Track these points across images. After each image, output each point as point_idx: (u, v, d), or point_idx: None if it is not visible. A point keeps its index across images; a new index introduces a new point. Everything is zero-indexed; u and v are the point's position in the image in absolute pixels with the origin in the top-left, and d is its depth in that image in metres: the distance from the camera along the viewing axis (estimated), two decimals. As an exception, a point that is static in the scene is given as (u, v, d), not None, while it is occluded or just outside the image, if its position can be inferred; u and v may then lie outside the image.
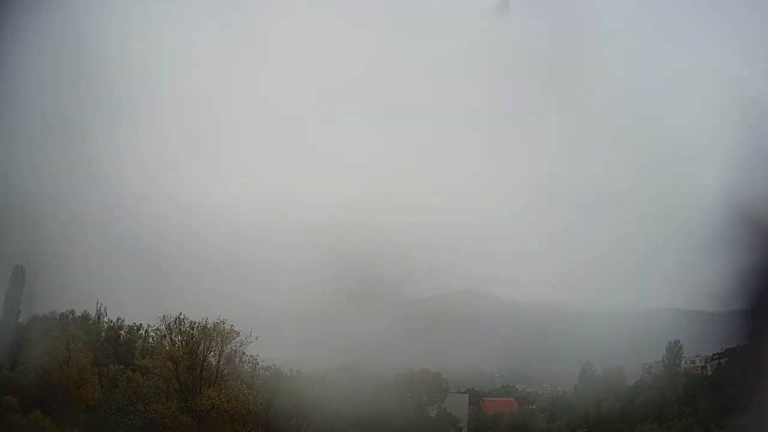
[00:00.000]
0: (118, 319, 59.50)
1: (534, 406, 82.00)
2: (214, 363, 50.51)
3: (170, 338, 50.46)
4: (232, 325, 50.61)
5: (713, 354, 68.04)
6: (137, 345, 59.29)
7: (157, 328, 52.61)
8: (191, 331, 49.86)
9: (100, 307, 59.80)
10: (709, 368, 67.24)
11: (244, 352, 51.94)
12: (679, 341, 63.26)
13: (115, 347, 56.17)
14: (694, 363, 69.33)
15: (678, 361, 62.88)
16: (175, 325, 50.09)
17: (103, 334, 58.37)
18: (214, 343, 50.09)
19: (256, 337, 51.48)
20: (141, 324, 59.03)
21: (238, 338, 50.75)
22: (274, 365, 60.63)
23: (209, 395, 47.55)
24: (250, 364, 53.93)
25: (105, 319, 59.77)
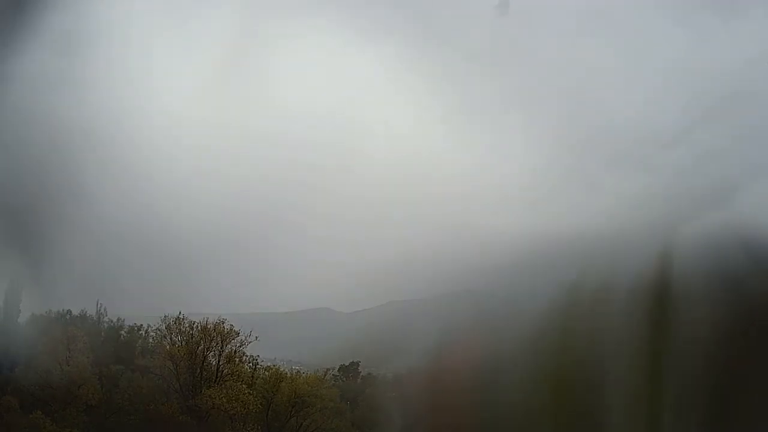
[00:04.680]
0: (118, 319, 59.57)
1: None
2: (214, 363, 50.46)
3: (170, 338, 50.41)
4: (231, 325, 50.62)
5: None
6: (137, 345, 59.30)
7: (157, 328, 52.56)
8: (191, 331, 49.82)
9: (100, 307, 59.88)
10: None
11: (245, 352, 52.00)
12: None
13: (115, 347, 56.13)
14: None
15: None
16: (175, 325, 50.05)
17: (103, 334, 58.37)
18: (214, 343, 50.04)
19: (256, 337, 51.58)
20: (141, 324, 59.07)
21: (238, 338, 50.75)
22: (274, 365, 60.69)
23: (209, 395, 47.51)
24: (250, 364, 53.95)
25: (105, 319, 59.85)
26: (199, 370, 49.61)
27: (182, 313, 50.80)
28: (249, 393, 49.29)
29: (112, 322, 59.62)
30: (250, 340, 51.03)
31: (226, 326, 50.53)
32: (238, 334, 50.46)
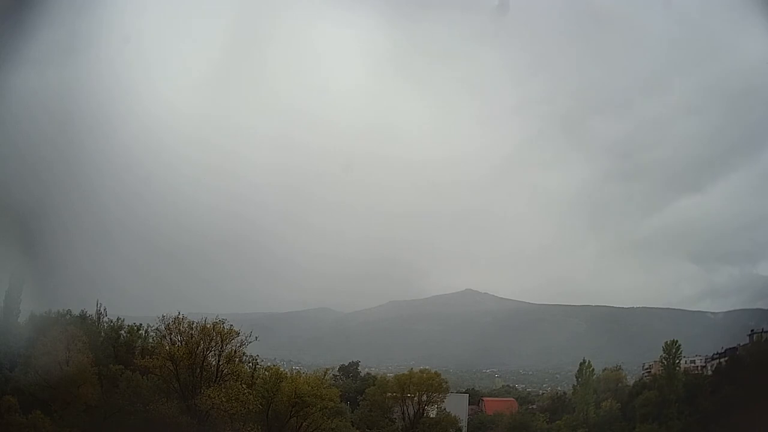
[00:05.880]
0: (118, 318, 59.35)
1: (534, 406, 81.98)
2: (214, 363, 50.45)
3: (170, 338, 50.39)
4: (231, 325, 50.62)
5: (713, 354, 68.16)
6: (137, 345, 59.15)
7: (157, 328, 52.54)
8: (191, 331, 49.80)
9: (100, 306, 59.74)
10: (709, 368, 67.31)
11: (245, 352, 51.98)
12: (677, 341, 63.26)
13: (115, 347, 56.06)
14: (694, 363, 69.43)
15: (677, 361, 62.84)
16: (175, 325, 50.03)
17: (103, 333, 58.24)
18: (213, 343, 50.03)
19: (256, 338, 51.58)
20: (141, 324, 58.93)
21: (238, 338, 50.75)
22: (274, 365, 60.65)
23: (209, 395, 47.49)
24: (250, 364, 53.93)
25: (105, 319, 59.67)
26: (198, 370, 49.60)
27: (181, 313, 50.84)
28: (249, 393, 49.26)
29: (111, 322, 59.41)
30: (250, 340, 51.04)
31: (226, 326, 50.52)
32: (238, 334, 50.46)
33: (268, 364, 59.57)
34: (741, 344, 64.50)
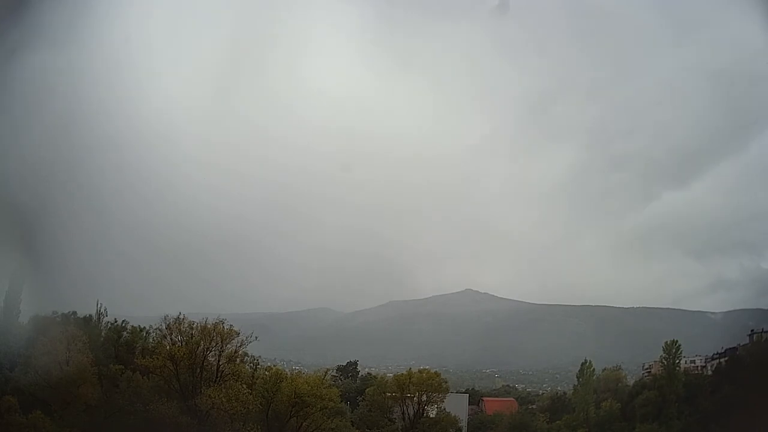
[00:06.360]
0: (123, 321, 59.29)
1: (534, 406, 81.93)
2: (214, 363, 50.47)
3: (170, 338, 50.44)
4: (231, 325, 50.66)
5: (713, 354, 68.20)
6: (138, 345, 59.14)
7: (158, 328, 52.58)
8: (191, 331, 49.85)
9: (100, 307, 59.71)
10: (709, 368, 67.32)
11: (246, 353, 52.02)
12: (677, 341, 63.23)
13: (115, 347, 56.09)
14: (694, 363, 69.45)
15: (677, 361, 62.82)
16: (175, 325, 50.07)
17: (103, 333, 58.22)
18: (213, 343, 50.07)
19: (256, 337, 51.62)
20: (144, 326, 59.00)
21: (238, 338, 50.79)
22: (274, 365, 60.69)
23: (209, 395, 47.52)
24: (251, 364, 53.96)
25: (105, 320, 59.63)
26: (199, 370, 49.65)
27: (182, 313, 50.91)
28: (249, 393, 49.29)
29: (115, 322, 59.36)
30: (250, 340, 51.09)
31: (226, 326, 50.56)
32: (238, 334, 50.51)
33: (268, 364, 59.61)
34: (741, 344, 64.50)
